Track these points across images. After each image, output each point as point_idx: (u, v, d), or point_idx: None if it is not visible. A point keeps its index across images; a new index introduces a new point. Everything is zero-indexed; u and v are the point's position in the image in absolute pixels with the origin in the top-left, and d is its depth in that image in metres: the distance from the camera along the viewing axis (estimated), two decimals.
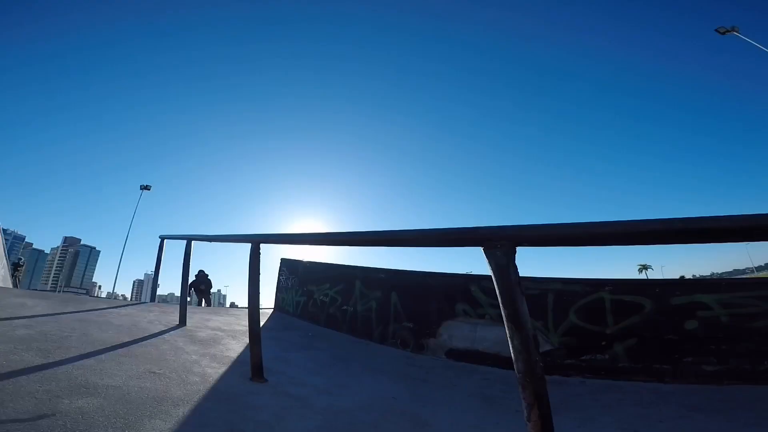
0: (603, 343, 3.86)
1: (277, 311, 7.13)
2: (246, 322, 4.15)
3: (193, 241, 4.97)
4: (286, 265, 7.42)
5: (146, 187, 33.96)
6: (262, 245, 3.20)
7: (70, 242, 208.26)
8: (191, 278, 9.14)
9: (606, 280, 4.08)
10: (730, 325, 3.49)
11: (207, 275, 12.36)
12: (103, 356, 2.81)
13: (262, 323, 4.17)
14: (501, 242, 1.61)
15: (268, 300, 7.62)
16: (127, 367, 2.65)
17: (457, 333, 4.64)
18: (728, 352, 3.44)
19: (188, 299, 5.17)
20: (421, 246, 2.19)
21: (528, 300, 1.57)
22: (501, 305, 1.57)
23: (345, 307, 5.80)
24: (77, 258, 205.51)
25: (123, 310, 4.98)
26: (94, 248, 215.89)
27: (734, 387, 3.27)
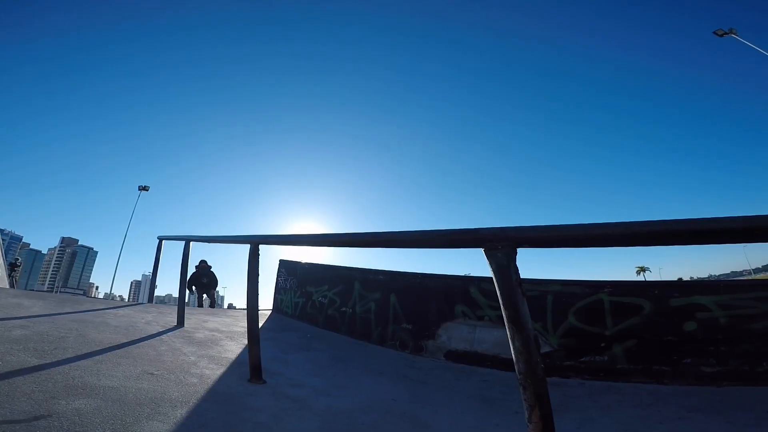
0: (602, 344, 3.86)
1: (276, 312, 7.11)
2: (244, 324, 4.14)
3: (191, 243, 4.96)
4: (285, 267, 7.39)
5: (144, 188, 33.94)
6: (261, 246, 3.20)
7: (67, 243, 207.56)
8: (191, 271, 8.34)
9: (605, 282, 4.08)
10: (728, 326, 3.50)
11: (210, 267, 10.04)
12: (100, 357, 2.79)
13: (260, 324, 4.16)
14: (502, 243, 1.61)
15: (266, 301, 7.59)
16: (124, 368, 2.64)
17: (456, 334, 4.63)
18: (727, 353, 3.44)
19: (186, 299, 5.15)
20: (422, 247, 2.18)
21: (527, 301, 1.56)
22: (502, 306, 1.57)
23: (344, 309, 5.79)
24: (74, 258, 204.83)
25: (120, 311, 4.96)
26: (92, 249, 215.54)
27: (733, 388, 3.27)
